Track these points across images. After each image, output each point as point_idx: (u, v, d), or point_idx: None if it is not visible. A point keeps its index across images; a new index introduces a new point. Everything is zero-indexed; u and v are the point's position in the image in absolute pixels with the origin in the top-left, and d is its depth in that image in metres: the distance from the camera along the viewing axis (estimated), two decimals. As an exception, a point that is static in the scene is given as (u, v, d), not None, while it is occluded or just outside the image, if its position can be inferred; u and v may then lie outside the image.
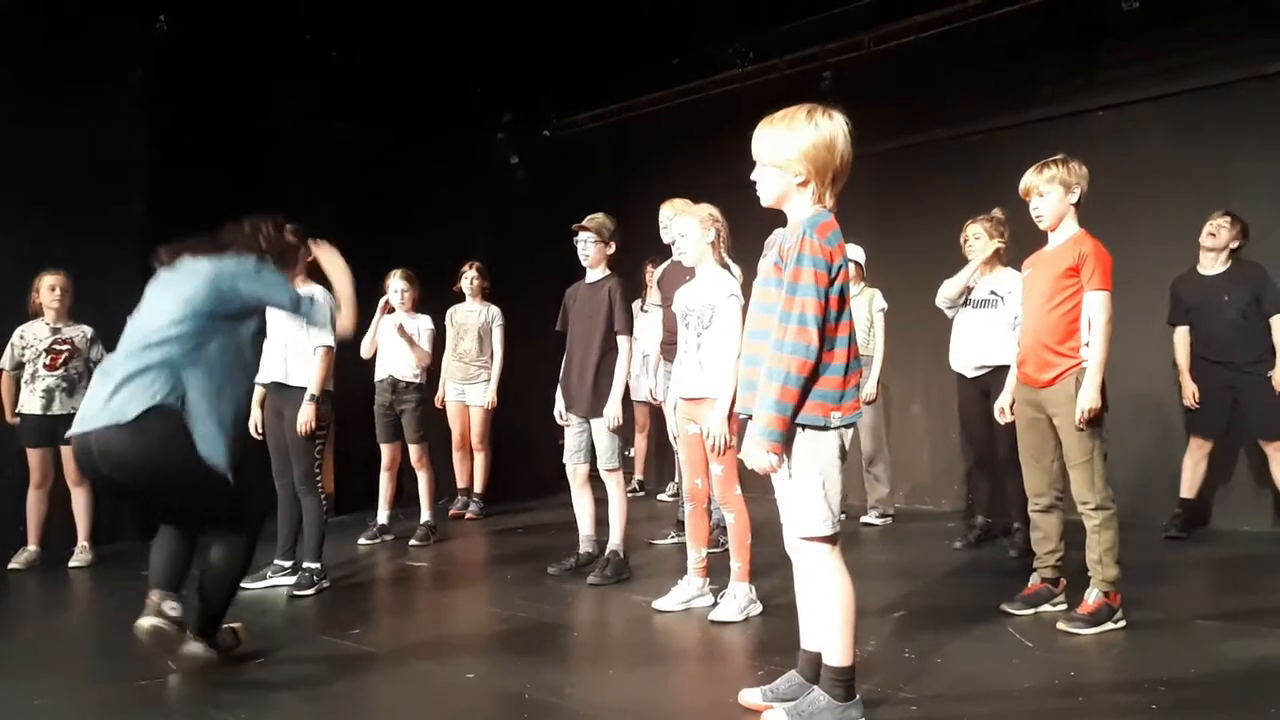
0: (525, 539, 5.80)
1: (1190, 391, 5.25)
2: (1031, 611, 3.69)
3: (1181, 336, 5.31)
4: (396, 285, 5.77)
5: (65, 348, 5.23)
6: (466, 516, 6.53)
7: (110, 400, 2.91)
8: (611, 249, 4.61)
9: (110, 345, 5.36)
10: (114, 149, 5.87)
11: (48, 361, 5.18)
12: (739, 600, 3.78)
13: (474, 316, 6.47)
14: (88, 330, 5.36)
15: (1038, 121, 6.16)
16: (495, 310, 6.52)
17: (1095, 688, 2.92)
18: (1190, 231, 5.41)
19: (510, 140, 8.02)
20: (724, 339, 3.78)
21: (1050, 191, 3.61)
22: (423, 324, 5.91)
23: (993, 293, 4.89)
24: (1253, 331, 5.04)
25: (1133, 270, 5.66)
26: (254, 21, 6.32)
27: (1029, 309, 3.76)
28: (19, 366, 5.21)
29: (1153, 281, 5.39)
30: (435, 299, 6.44)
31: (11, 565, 5.07)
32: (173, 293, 3.13)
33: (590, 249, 4.57)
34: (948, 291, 4.99)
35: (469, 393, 6.47)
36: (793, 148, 2.48)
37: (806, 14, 6.56)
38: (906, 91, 6.48)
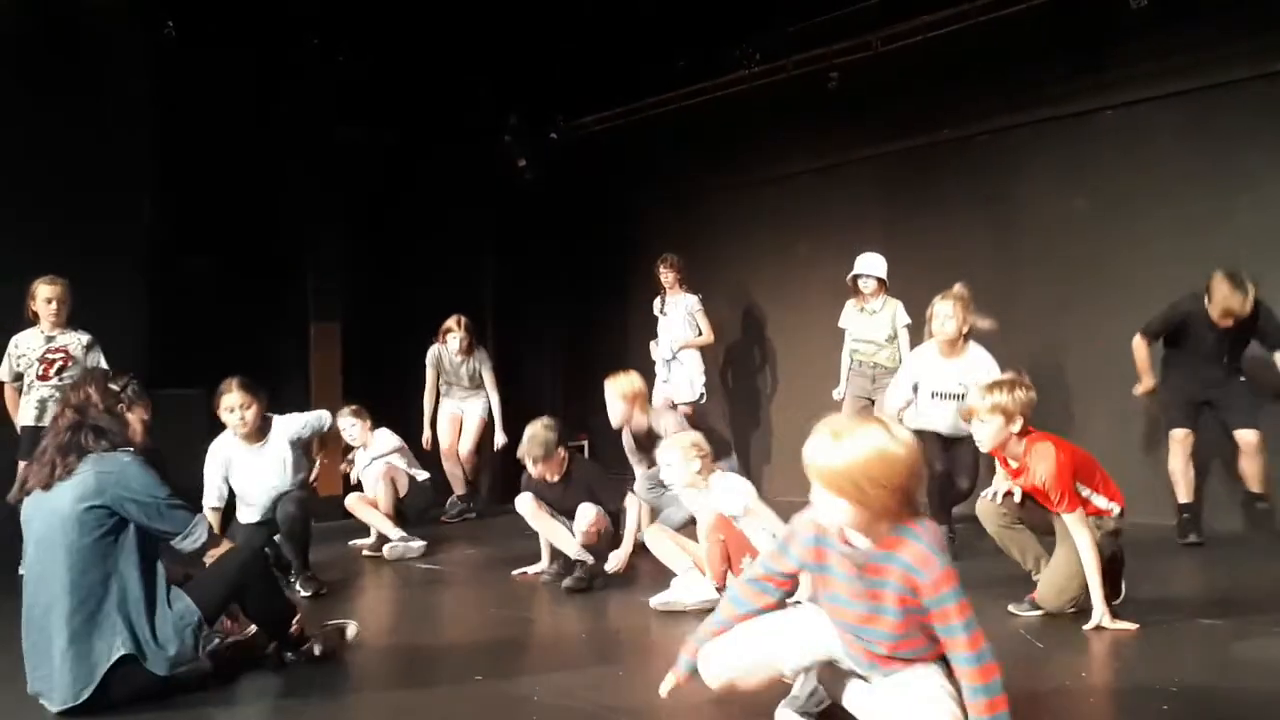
0: (532, 541, 5.77)
1: (1148, 385, 5.10)
2: (1040, 613, 3.66)
3: (1144, 345, 5.08)
4: (347, 424, 5.59)
5: (59, 356, 4.99)
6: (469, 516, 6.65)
7: (58, 678, 2.72)
8: (563, 453, 4.55)
9: (109, 353, 5.15)
10: (119, 154, 5.89)
11: (40, 371, 4.96)
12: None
13: (463, 368, 6.57)
14: (83, 337, 5.06)
15: (1046, 121, 6.13)
16: (482, 355, 6.64)
17: (1106, 689, 2.92)
18: (1199, 231, 5.38)
19: (517, 142, 8.03)
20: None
21: (990, 420, 3.45)
22: (385, 449, 5.66)
23: (960, 384, 4.49)
24: (1233, 372, 4.98)
25: (1141, 269, 5.66)
26: (260, 26, 6.34)
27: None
28: (18, 377, 5.01)
29: (1161, 280, 5.34)
30: (445, 302, 6.48)
31: (21, 570, 5.06)
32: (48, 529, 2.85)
33: (545, 467, 4.51)
34: (892, 405, 4.79)
35: (467, 408, 6.63)
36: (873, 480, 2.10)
37: (813, 15, 6.53)
38: (914, 92, 6.45)
